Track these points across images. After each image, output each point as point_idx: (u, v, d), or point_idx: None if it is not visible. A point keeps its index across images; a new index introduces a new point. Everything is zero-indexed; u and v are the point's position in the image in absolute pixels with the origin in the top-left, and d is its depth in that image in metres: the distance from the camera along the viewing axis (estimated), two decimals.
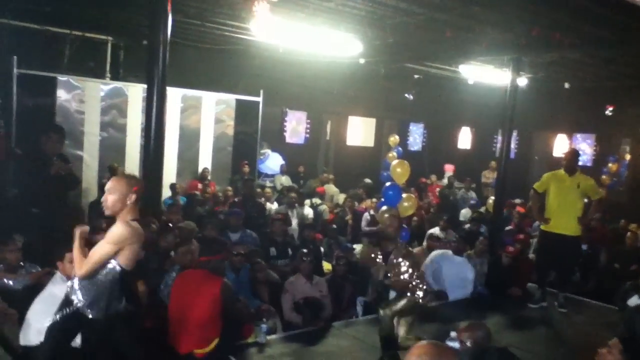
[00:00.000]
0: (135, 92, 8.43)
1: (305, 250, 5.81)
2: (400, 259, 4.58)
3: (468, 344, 3.06)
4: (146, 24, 6.44)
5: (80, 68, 8.86)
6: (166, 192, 8.01)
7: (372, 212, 8.98)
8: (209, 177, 9.32)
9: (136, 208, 3.08)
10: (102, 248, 2.99)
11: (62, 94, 7.95)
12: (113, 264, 3.05)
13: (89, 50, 9.23)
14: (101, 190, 7.84)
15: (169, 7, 5.59)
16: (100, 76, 9.07)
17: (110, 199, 3.02)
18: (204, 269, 4.36)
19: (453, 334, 3.18)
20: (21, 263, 4.44)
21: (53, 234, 5.04)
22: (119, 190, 3.03)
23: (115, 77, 9.27)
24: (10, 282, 4.18)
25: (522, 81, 9.72)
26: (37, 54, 8.17)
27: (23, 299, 3.91)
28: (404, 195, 7.71)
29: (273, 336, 4.98)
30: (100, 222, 3.89)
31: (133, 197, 3.04)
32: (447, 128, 15.55)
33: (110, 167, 8.13)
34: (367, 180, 11.15)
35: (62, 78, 8.03)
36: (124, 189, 3.03)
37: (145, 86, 6.64)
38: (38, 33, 8.44)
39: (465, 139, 16.40)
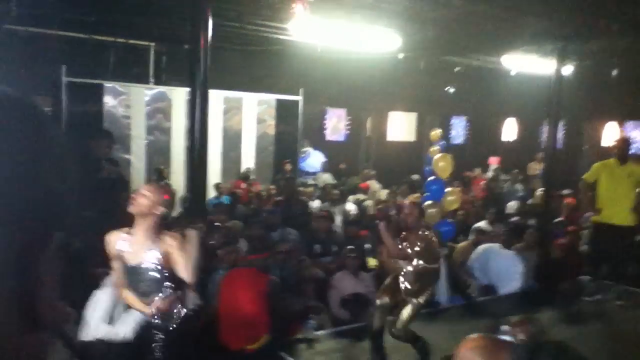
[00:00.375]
0: (179, 96, 8.60)
1: (350, 247, 5.81)
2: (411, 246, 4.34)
3: (521, 338, 2.99)
4: (187, 29, 6.56)
5: (125, 74, 9.11)
6: (211, 193, 8.16)
7: None
8: (252, 177, 9.43)
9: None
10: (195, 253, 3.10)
11: (109, 100, 8.19)
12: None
13: (133, 57, 9.48)
14: None
15: (209, 12, 5.69)
16: (144, 81, 9.29)
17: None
18: (251, 267, 4.44)
19: (504, 328, 3.12)
20: None
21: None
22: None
23: (158, 82, 9.48)
24: None
25: (568, 69, 9.44)
26: (84, 62, 8.45)
27: (82, 300, 4.06)
28: (448, 189, 7.62)
29: (322, 332, 5.00)
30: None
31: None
32: (490, 120, 15.24)
33: (157, 169, 8.33)
34: (415, 176, 11.05)
35: (108, 85, 8.27)
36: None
37: (188, 89, 6.79)
38: (84, 42, 8.73)
39: (509, 130, 16.04)
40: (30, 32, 8.08)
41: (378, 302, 4.50)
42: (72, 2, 7.25)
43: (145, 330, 3.24)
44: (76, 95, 7.72)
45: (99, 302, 3.93)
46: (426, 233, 4.39)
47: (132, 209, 3.13)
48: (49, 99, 7.79)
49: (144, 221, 3.13)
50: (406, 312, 4.33)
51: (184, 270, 3.08)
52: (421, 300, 4.36)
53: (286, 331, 4.72)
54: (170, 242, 3.10)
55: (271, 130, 10.00)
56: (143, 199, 3.12)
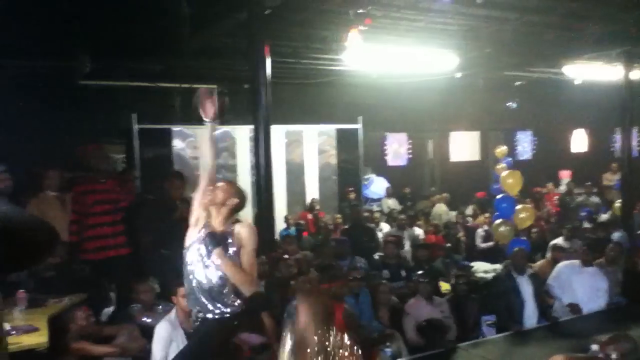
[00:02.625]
0: (242, 134, 8.87)
1: (421, 272, 5.73)
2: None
3: (614, 357, 2.84)
4: (246, 69, 6.80)
5: (190, 117, 9.49)
6: (279, 225, 8.29)
7: (486, 227, 8.69)
8: (318, 207, 9.51)
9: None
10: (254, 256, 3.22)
11: (177, 143, 8.56)
12: None
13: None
14: None
15: (267, 50, 5.89)
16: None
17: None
18: (335, 299, 4.47)
19: (594, 347, 2.97)
20: (157, 303, 4.79)
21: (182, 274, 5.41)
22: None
23: (222, 122, 9.81)
24: (148, 320, 4.51)
25: (638, 74, 9.04)
26: (153, 109, 8.91)
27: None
28: (518, 206, 7.40)
29: None
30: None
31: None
32: (557, 132, 14.71)
33: None
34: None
35: (175, 128, 8.65)
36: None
37: (251, 127, 7.01)
38: (151, 90, 9.22)
39: (579, 141, 15.41)
40: (103, 85, 8.62)
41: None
42: (139, 55, 7.68)
43: None
44: (147, 141, 8.12)
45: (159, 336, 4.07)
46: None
47: (208, 200, 3.26)
48: (123, 146, 8.25)
49: (219, 213, 3.25)
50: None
51: (247, 264, 3.19)
52: None
53: None
54: (242, 231, 3.27)
55: (333, 160, 10.09)
56: (219, 191, 3.27)
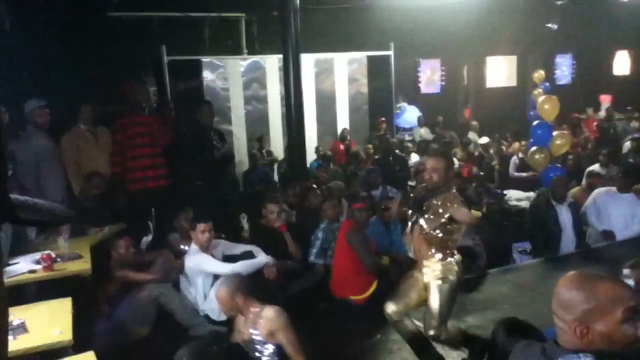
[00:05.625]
0: (272, 64, 8.76)
1: None
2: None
3: None
4: None
5: (220, 48, 9.42)
6: (310, 156, 8.33)
7: (520, 155, 8.54)
8: (349, 137, 9.47)
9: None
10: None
11: (207, 75, 8.52)
12: None
13: (226, 30, 9.75)
14: (252, 160, 8.40)
15: None
16: (239, 53, 9.55)
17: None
18: (350, 219, 4.64)
19: (626, 271, 2.96)
20: None
21: (215, 203, 5.56)
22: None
23: (252, 52, 9.70)
24: (186, 248, 4.67)
25: None
26: (182, 40, 8.84)
27: None
28: (555, 133, 7.21)
29: None
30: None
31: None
32: (599, 55, 14.04)
33: (258, 138, 8.63)
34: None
35: (205, 59, 8.59)
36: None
37: (280, 56, 6.91)
38: (180, 20, 9.11)
39: (622, 64, 14.70)
40: (131, 16, 8.55)
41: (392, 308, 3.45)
42: None
43: None
44: (177, 73, 8.11)
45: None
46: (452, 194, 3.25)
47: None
48: (154, 78, 8.27)
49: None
50: (434, 301, 3.28)
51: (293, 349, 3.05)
52: (448, 280, 3.27)
53: (393, 285, 4.79)
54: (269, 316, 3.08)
55: (364, 89, 9.93)
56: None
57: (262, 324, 3.00)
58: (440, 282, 3.25)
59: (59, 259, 3.93)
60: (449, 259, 3.29)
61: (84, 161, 5.47)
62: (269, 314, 3.01)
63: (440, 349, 3.50)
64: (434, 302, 3.26)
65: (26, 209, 0.44)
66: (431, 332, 3.28)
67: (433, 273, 3.28)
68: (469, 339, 3.49)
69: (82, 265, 3.92)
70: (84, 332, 3.23)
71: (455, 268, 3.30)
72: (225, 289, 3.07)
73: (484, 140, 9.86)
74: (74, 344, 2.82)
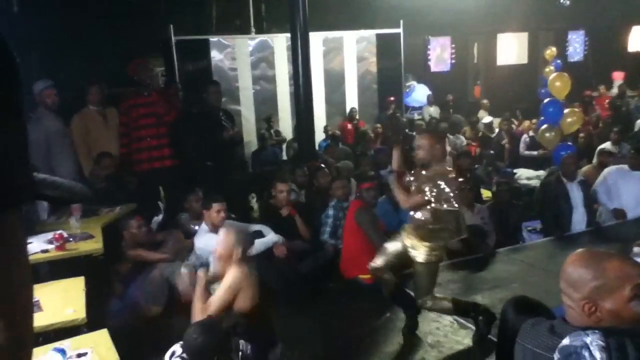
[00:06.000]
0: (280, 43, 8.70)
1: (462, 179, 5.70)
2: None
3: None
4: None
5: (228, 27, 9.36)
6: (319, 135, 8.31)
7: (531, 133, 8.47)
8: (357, 117, 9.44)
9: None
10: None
11: (215, 54, 8.49)
12: None
13: (234, 9, 9.68)
14: (260, 140, 8.40)
15: None
16: (246, 32, 9.49)
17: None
18: (358, 199, 4.64)
19: (636, 249, 2.95)
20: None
21: (224, 184, 5.58)
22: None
23: (260, 31, 9.64)
24: (196, 228, 4.71)
25: None
26: (189, 19, 8.80)
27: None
28: (566, 110, 7.14)
29: None
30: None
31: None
32: (612, 31, 13.78)
33: (267, 118, 8.62)
34: None
35: (213, 39, 8.55)
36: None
37: (288, 35, 6.86)
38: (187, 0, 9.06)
39: (636, 40, 14.44)
40: None
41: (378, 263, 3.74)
42: None
43: None
44: (185, 53, 8.09)
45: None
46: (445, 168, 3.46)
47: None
48: (162, 59, 8.25)
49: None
50: (417, 277, 3.57)
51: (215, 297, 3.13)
52: (431, 261, 3.49)
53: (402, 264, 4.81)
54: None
55: (373, 68, 9.85)
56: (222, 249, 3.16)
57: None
58: (423, 262, 3.47)
59: (71, 239, 3.98)
60: (434, 245, 3.48)
61: (94, 142, 5.50)
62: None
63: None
64: (418, 278, 3.55)
65: (48, 186, 0.44)
66: (418, 302, 3.59)
67: (418, 254, 3.48)
68: (459, 308, 3.68)
69: (94, 245, 3.97)
70: (97, 310, 3.29)
71: (438, 253, 3.53)
72: (231, 237, 3.11)
73: (488, 119, 9.78)
74: (88, 321, 2.86)
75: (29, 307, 0.41)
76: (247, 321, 3.01)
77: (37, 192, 0.41)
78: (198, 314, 2.95)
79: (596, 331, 1.47)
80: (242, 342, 2.85)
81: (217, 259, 3.16)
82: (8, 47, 0.39)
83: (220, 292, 3.00)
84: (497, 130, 9.26)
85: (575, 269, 1.59)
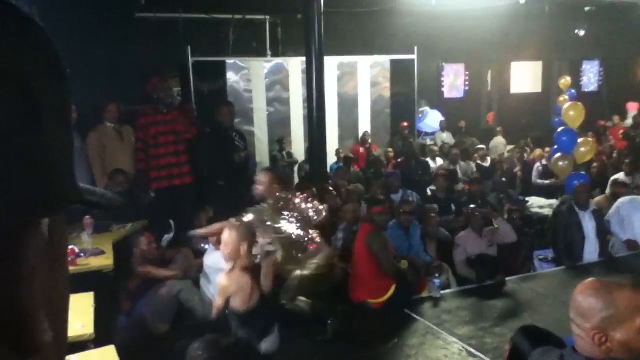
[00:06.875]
0: (295, 66, 8.80)
1: (474, 206, 5.69)
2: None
3: None
4: None
5: (244, 49, 9.49)
6: (331, 158, 8.34)
7: (544, 161, 8.44)
8: (370, 141, 9.47)
9: None
10: None
11: (231, 76, 8.60)
12: None
13: (250, 32, 9.83)
14: (272, 161, 8.44)
15: None
16: (262, 55, 9.62)
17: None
18: (368, 222, 4.63)
19: None
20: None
21: (235, 204, 5.60)
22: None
23: (275, 54, 9.76)
24: (206, 247, 4.72)
25: None
26: (206, 41, 8.93)
27: None
28: (579, 140, 7.12)
29: (447, 291, 4.99)
30: None
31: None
32: (627, 62, 13.77)
33: (279, 140, 8.67)
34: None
35: (229, 61, 8.67)
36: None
37: (303, 59, 6.94)
38: (205, 22, 9.21)
39: None
40: (158, 17, 8.68)
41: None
42: None
43: None
44: (202, 74, 8.20)
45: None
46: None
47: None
48: (179, 80, 8.37)
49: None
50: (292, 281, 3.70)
51: None
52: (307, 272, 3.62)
53: (411, 290, 4.78)
54: None
55: (386, 93, 9.91)
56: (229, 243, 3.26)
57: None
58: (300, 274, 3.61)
59: (82, 254, 4.00)
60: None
61: (109, 158, 5.56)
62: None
63: None
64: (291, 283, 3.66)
65: (86, 192, 0.46)
66: (282, 300, 3.67)
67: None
68: (315, 311, 3.85)
69: (105, 261, 3.99)
70: (105, 326, 3.29)
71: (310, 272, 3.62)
72: (235, 234, 3.18)
73: (481, 147, 9.74)
74: (95, 337, 2.87)
75: (67, 309, 0.43)
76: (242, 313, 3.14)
77: (82, 197, 0.43)
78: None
79: None
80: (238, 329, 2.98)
81: (226, 260, 3.24)
82: (55, 47, 0.42)
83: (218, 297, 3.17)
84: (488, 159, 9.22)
85: (585, 298, 1.58)
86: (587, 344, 1.55)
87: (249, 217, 3.50)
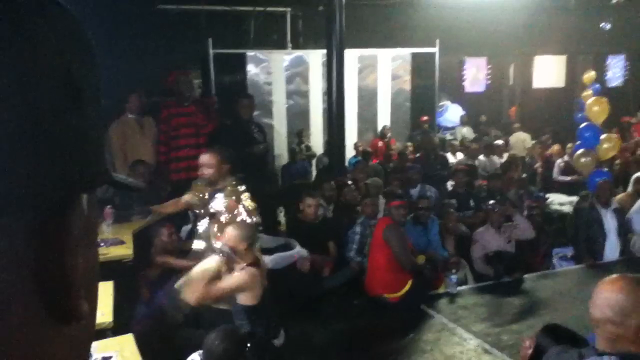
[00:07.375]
0: (316, 59, 8.78)
1: (493, 201, 5.64)
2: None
3: None
4: None
5: (264, 42, 9.50)
6: (349, 152, 8.33)
7: (566, 157, 8.32)
8: (389, 135, 9.42)
9: None
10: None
11: (251, 68, 8.62)
12: None
13: (271, 24, 9.83)
14: (291, 154, 8.46)
15: None
16: (283, 47, 9.62)
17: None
18: (387, 216, 4.64)
19: None
20: None
21: (254, 196, 5.63)
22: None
23: (296, 47, 9.76)
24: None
25: None
26: (228, 33, 8.97)
27: None
28: (603, 136, 7.00)
29: (464, 287, 4.97)
30: None
31: None
32: None
33: (298, 132, 8.68)
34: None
35: (250, 53, 8.68)
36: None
37: (324, 51, 6.93)
38: (226, 14, 9.24)
39: None
40: (179, 9, 8.73)
41: None
42: None
43: None
44: (222, 66, 8.23)
45: None
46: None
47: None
48: (199, 72, 8.42)
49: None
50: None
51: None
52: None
53: (428, 285, 4.77)
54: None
55: (407, 86, 9.84)
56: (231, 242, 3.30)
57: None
58: None
59: (102, 244, 4.07)
60: None
61: (130, 150, 5.64)
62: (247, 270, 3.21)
63: None
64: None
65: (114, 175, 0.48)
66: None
67: None
68: None
69: (125, 251, 4.05)
70: (124, 315, 3.35)
71: None
72: (237, 232, 3.26)
73: (500, 142, 9.61)
74: (114, 326, 2.92)
75: (97, 290, 0.46)
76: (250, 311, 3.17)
77: (111, 177, 0.48)
78: (195, 290, 3.13)
79: (612, 355, 1.44)
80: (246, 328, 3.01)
81: (230, 256, 3.26)
82: (89, 35, 0.44)
83: (223, 286, 3.17)
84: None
85: (627, 295, 1.55)
86: (605, 340, 1.53)
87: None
